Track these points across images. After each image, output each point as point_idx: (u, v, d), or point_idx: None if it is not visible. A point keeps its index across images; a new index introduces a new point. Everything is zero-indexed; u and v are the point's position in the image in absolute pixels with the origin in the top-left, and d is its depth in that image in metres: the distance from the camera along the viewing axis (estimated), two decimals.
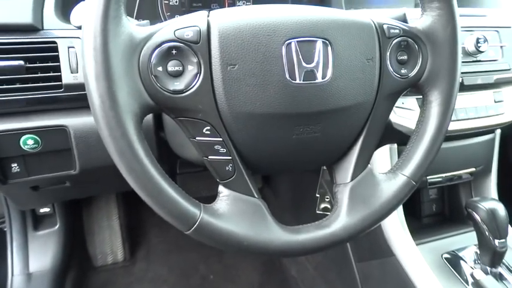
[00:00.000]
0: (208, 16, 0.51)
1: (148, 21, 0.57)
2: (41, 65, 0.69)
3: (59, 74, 0.69)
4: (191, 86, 0.49)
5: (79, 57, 0.68)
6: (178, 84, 0.49)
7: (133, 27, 0.47)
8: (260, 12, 0.53)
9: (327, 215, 0.60)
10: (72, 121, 0.73)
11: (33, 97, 0.68)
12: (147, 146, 0.47)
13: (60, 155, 0.75)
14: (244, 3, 0.99)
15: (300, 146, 0.56)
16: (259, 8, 0.54)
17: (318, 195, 0.93)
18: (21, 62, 0.67)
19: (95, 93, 0.44)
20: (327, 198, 0.92)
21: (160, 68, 0.48)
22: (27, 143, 0.71)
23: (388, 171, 0.62)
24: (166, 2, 0.93)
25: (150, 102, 0.48)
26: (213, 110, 0.51)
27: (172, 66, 0.49)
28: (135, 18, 0.91)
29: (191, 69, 0.49)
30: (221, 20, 0.51)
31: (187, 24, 0.49)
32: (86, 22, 0.44)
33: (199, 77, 0.50)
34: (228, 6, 0.97)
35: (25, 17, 0.69)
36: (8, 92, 0.67)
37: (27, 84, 0.68)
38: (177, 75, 0.49)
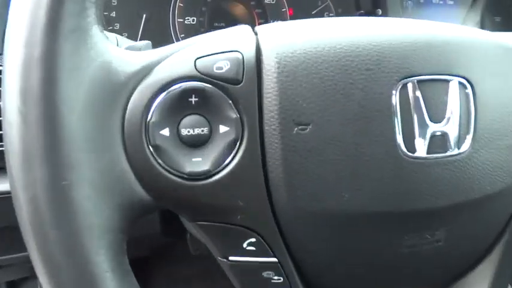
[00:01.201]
0: (256, 34, 0.29)
1: (148, 42, 0.34)
2: None
3: None
4: (224, 165, 0.26)
5: None
6: (200, 162, 0.26)
7: (114, 52, 0.25)
8: (347, 28, 0.30)
9: None
10: None
11: None
12: None
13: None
14: (280, 21, 0.77)
15: (409, 261, 0.32)
16: (341, 22, 0.31)
17: None
18: None
19: (21, 192, 0.21)
20: None
21: (166, 131, 0.26)
22: None
23: None
24: (181, 20, 0.71)
25: (144, 198, 0.25)
26: (263, 209, 0.27)
27: (189, 126, 0.26)
28: None
29: (225, 133, 0.26)
30: (280, 40, 0.28)
31: (220, 49, 0.27)
32: (10, 38, 0.21)
33: (239, 148, 0.26)
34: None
35: None
36: None
37: None
38: (199, 143, 0.26)
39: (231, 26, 0.75)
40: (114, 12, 0.70)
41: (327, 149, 0.27)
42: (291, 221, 0.28)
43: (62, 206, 0.21)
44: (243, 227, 0.27)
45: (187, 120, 0.26)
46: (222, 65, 0.26)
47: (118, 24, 0.70)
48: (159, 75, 0.26)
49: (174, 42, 0.71)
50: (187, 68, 0.26)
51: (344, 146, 0.27)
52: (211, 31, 0.30)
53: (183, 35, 0.71)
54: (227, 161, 0.26)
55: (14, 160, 0.21)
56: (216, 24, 0.73)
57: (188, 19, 0.71)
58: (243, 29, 0.30)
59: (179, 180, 0.26)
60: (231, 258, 0.28)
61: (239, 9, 0.75)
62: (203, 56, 0.26)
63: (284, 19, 0.77)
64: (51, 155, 0.21)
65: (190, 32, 0.72)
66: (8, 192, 0.47)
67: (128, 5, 0.70)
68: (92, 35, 0.23)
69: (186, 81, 0.26)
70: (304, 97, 0.27)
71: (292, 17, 0.78)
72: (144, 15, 0.71)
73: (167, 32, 0.71)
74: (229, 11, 0.74)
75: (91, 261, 0.22)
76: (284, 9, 0.77)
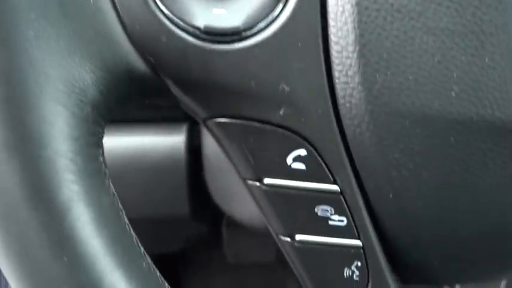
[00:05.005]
0: None
1: None
2: None
3: None
4: (264, 24, 0.17)
5: None
6: (226, 16, 0.17)
7: None
8: None
9: None
10: None
11: None
12: (107, 199, 0.15)
13: None
14: None
15: None
16: None
17: None
18: None
19: None
20: None
21: None
22: None
23: None
24: None
25: (135, 63, 0.17)
26: (320, 102, 0.17)
27: None
28: None
29: None
30: None
31: None
32: None
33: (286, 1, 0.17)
34: None
35: None
36: None
37: None
38: None
39: None
40: None
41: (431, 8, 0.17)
42: (364, 127, 0.17)
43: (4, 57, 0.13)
44: (286, 129, 0.17)
45: None
46: None
47: None
48: None
49: None
50: None
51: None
52: None
53: None
54: (269, 19, 0.17)
55: None
56: None
57: None
58: None
59: (190, 37, 0.17)
60: (266, 180, 0.18)
61: None
62: None
63: None
64: None
65: None
66: None
67: None
68: None
69: None
70: None
71: None
72: None
73: None
74: None
75: (50, 147, 0.13)
76: None
